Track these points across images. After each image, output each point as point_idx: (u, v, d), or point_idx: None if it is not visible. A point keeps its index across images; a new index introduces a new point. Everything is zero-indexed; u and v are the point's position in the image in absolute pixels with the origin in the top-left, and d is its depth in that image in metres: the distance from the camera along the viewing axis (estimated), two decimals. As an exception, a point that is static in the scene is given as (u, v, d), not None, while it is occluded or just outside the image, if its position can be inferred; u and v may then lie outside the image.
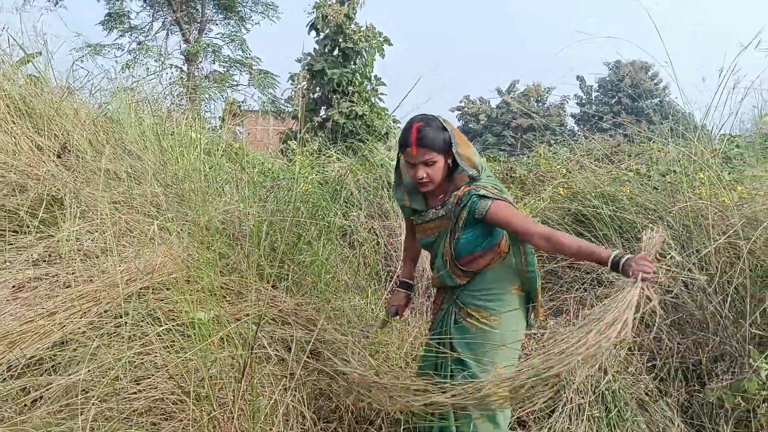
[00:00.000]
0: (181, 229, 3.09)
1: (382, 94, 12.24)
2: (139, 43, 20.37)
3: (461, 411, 2.33)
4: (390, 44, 12.25)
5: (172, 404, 2.27)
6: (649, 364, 3.25)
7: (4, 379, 2.26)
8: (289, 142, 8.87)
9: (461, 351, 2.38)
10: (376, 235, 4.28)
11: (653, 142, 5.51)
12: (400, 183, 2.55)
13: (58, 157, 3.49)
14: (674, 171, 4.33)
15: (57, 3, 20.28)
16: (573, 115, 36.67)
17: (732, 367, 3.09)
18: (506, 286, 2.44)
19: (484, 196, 2.32)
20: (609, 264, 2.04)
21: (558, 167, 5.13)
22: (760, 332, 3.13)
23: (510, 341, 2.40)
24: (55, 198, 3.03)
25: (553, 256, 4.00)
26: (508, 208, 2.32)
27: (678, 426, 2.93)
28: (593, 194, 4.13)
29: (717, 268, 3.26)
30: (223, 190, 3.97)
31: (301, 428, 2.62)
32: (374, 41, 12.10)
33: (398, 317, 2.80)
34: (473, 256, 2.41)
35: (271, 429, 2.43)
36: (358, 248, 3.95)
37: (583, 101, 37.57)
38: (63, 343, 2.40)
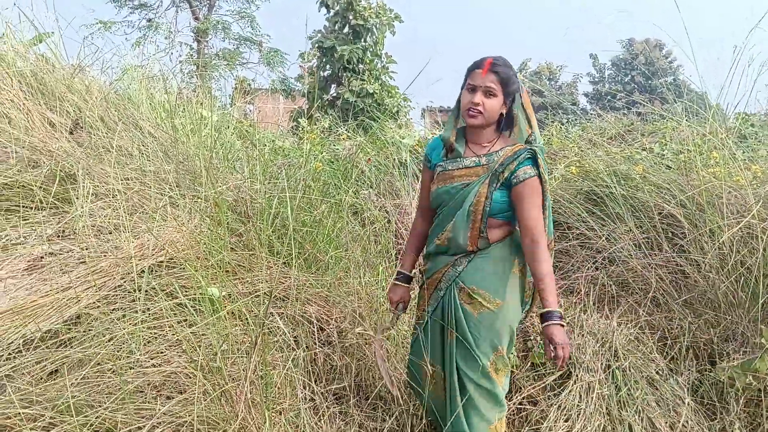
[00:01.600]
0: (193, 206, 3.11)
1: (392, 72, 12.16)
2: (148, 20, 20.28)
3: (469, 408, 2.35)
4: (401, 21, 12.14)
5: (186, 377, 2.29)
6: (660, 343, 3.25)
7: (20, 351, 2.29)
8: (299, 120, 8.85)
9: (465, 335, 2.33)
10: (387, 213, 4.27)
11: (667, 120, 5.45)
12: (456, 116, 2.42)
13: (71, 133, 3.50)
14: (688, 150, 4.28)
15: (67, -21, 20.14)
16: (586, 94, 36.31)
17: (743, 347, 3.08)
18: (511, 266, 2.38)
19: (533, 165, 2.28)
20: (542, 311, 2.23)
21: (570, 145, 5.09)
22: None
23: (511, 323, 2.38)
24: (68, 174, 3.05)
25: (564, 235, 3.99)
26: (538, 194, 2.28)
27: (688, 404, 2.93)
28: (606, 173, 4.10)
29: (730, 247, 3.24)
30: (234, 167, 3.98)
31: (312, 403, 2.65)
32: (385, 18, 11.99)
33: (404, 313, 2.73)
34: (497, 221, 2.34)
35: (282, 403, 2.46)
36: (369, 226, 3.95)
37: (596, 79, 37.15)
38: (78, 317, 2.42)
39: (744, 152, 4.71)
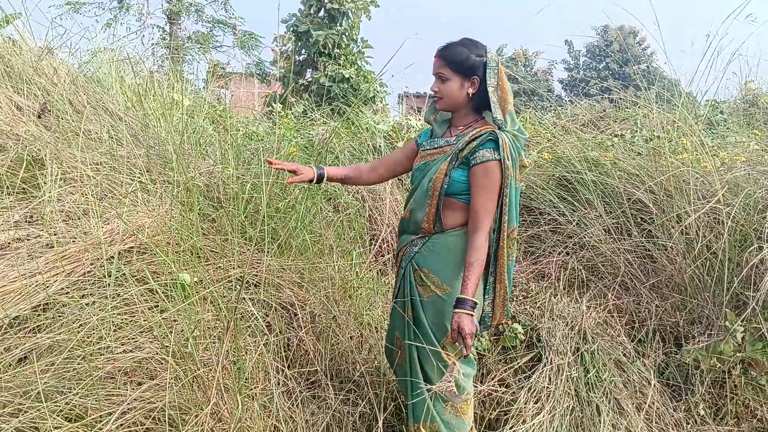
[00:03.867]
0: (164, 191, 3.08)
1: (368, 57, 12.10)
2: (119, 1, 19.88)
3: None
4: (377, 5, 12.06)
5: (157, 363, 2.28)
6: (628, 326, 3.32)
7: (-12, 339, 2.26)
8: (273, 104, 8.77)
9: (418, 314, 2.38)
10: (361, 199, 4.27)
11: (638, 107, 5.52)
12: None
13: (38, 117, 3.43)
14: (657, 136, 4.35)
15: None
16: (561, 80, 36.51)
17: (708, 330, 3.16)
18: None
19: (495, 149, 2.24)
20: (457, 297, 2.21)
21: (543, 132, 5.13)
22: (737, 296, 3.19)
23: None
24: (36, 158, 2.99)
25: (536, 221, 4.04)
26: (492, 180, 2.24)
27: (654, 386, 3.00)
28: (577, 159, 4.15)
29: (696, 232, 3.31)
30: (206, 152, 3.93)
31: (285, 388, 2.66)
32: (360, 2, 11.90)
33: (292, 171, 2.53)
34: (458, 203, 2.32)
35: (254, 388, 2.46)
36: (343, 212, 3.95)
37: (571, 66, 37.35)
38: (47, 303, 2.40)
39: (713, 139, 4.79)
